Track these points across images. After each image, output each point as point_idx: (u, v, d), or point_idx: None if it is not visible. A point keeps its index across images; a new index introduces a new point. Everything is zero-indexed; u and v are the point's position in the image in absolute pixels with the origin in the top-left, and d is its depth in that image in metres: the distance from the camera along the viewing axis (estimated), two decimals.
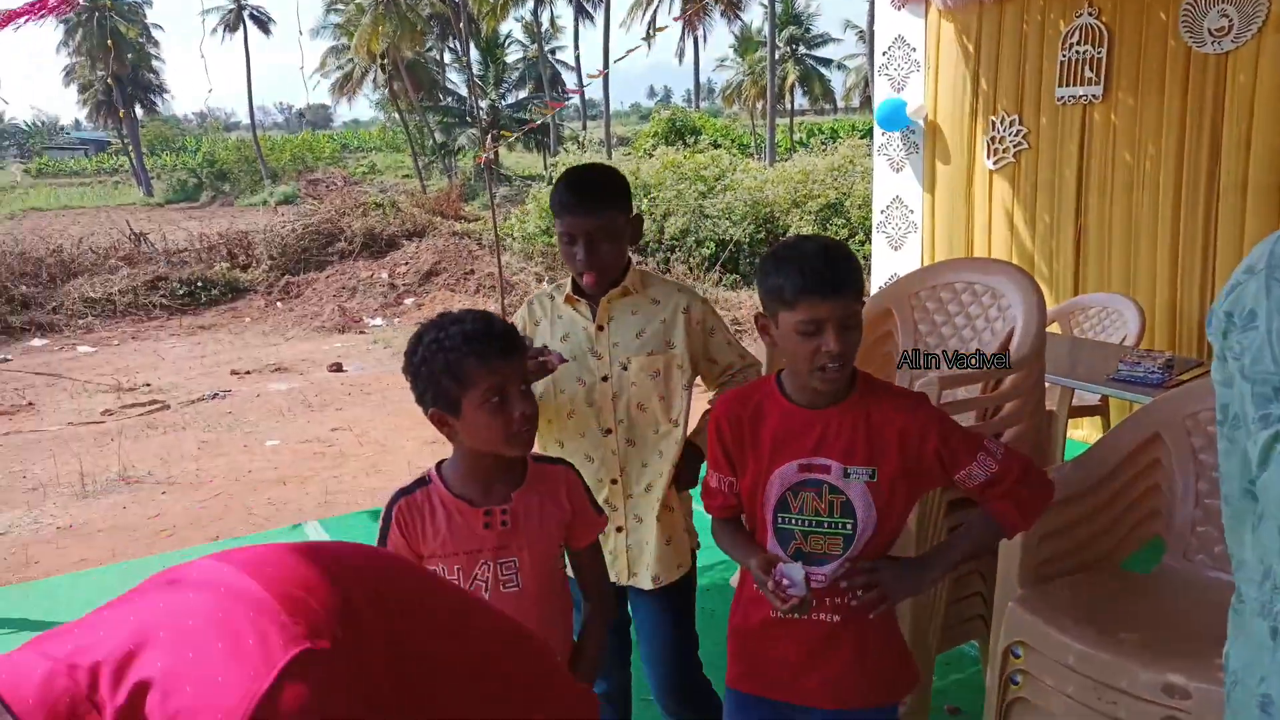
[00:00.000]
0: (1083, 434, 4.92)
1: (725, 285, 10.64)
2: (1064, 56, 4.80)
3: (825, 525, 1.62)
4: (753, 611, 1.71)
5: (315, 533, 4.51)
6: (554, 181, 2.11)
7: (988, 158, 5.24)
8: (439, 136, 30.17)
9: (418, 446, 5.90)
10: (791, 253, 1.56)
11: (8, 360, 9.57)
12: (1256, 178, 4.16)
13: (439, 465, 1.64)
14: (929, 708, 2.47)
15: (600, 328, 2.09)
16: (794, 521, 1.63)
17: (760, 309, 1.64)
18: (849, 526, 1.61)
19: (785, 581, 1.54)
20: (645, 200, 11.80)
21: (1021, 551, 2.12)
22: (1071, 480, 2.19)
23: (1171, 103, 4.42)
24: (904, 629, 2.29)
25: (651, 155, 13.58)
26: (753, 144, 26.77)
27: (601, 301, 2.09)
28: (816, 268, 1.52)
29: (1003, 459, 1.62)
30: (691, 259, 11.01)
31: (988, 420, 2.37)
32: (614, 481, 2.07)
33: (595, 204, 2.02)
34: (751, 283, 10.78)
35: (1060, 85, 4.83)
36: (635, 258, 11.38)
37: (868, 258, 9.97)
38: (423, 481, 1.62)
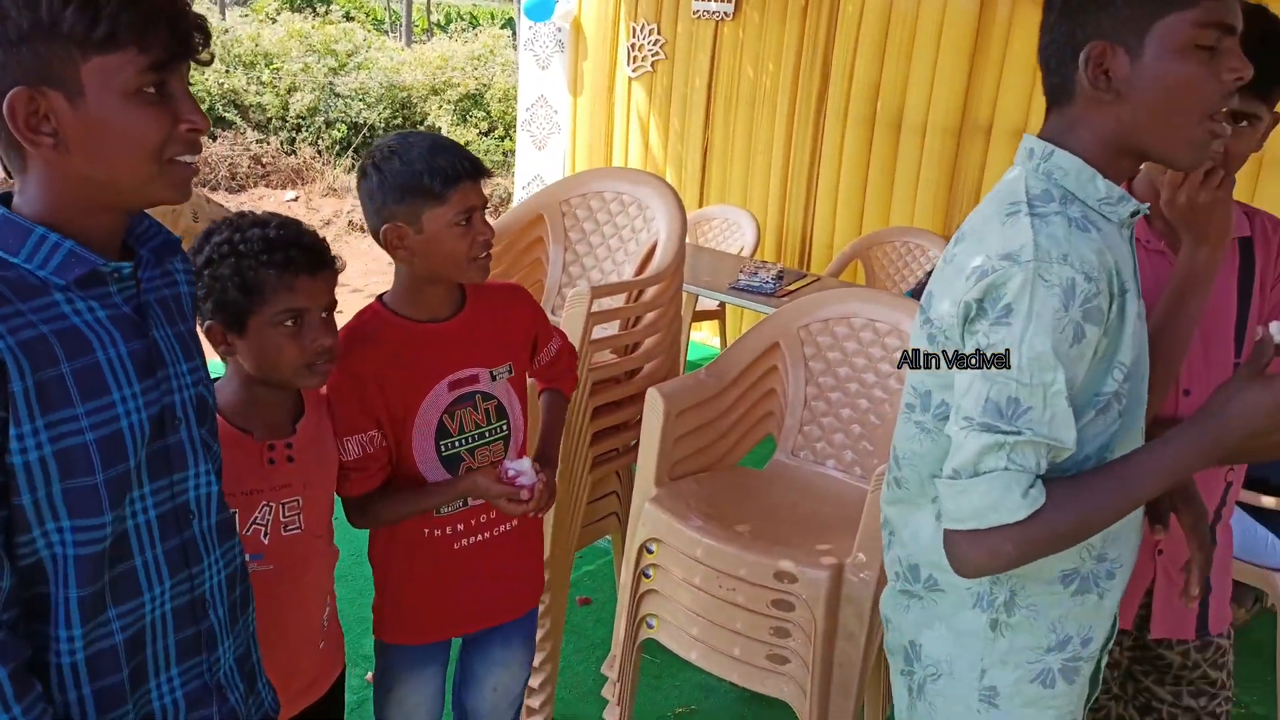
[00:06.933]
0: (703, 336, 5.33)
1: (360, 173, 10.01)
2: None
3: (487, 434, 1.59)
4: (425, 556, 1.58)
5: None
6: None
7: (628, 64, 5.35)
8: None
9: None
10: (419, 147, 1.44)
11: None
12: (855, 109, 4.64)
13: None
14: (566, 601, 2.57)
15: None
16: (459, 444, 1.55)
17: (385, 223, 1.45)
18: (505, 428, 1.61)
19: (521, 480, 1.47)
20: (267, 70, 10.71)
21: (658, 454, 2.23)
22: (704, 386, 2.34)
23: (791, 27, 4.76)
24: (547, 530, 2.36)
25: (275, 21, 12.28)
26: (387, 21, 25.31)
27: None
28: (458, 155, 1.45)
29: (559, 335, 1.76)
30: (321, 140, 10.22)
31: (630, 329, 2.46)
32: None
33: None
34: None
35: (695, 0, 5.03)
36: (254, 135, 10.10)
37: (510, 153, 9.95)
38: None
